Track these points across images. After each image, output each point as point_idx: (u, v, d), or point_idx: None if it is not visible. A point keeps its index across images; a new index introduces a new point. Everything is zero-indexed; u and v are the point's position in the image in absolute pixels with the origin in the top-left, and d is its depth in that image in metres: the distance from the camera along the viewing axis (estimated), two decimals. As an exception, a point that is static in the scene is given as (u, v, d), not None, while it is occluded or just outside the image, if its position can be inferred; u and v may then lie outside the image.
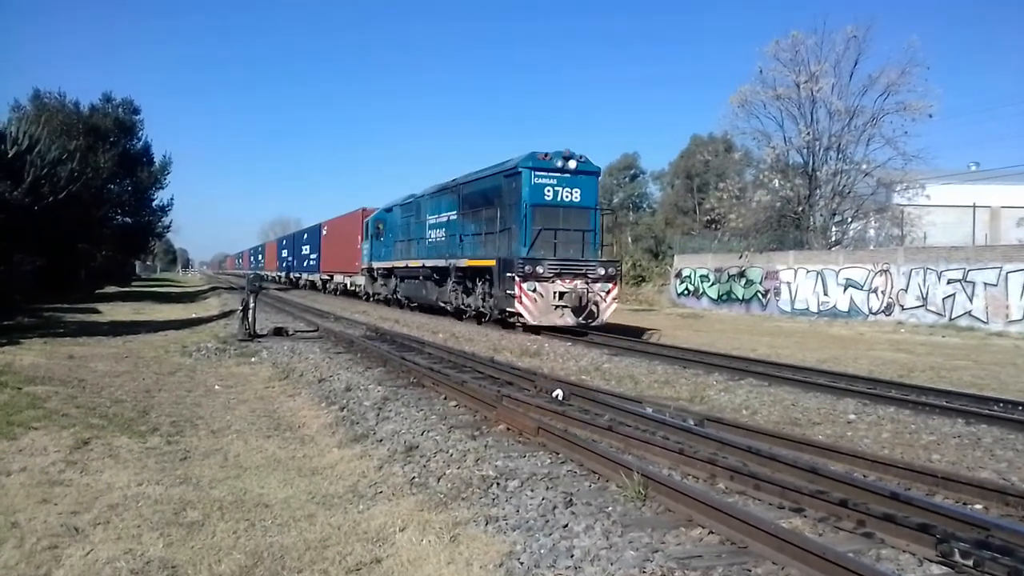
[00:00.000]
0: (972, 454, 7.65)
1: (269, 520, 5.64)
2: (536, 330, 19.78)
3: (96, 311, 27.74)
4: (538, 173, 19.82)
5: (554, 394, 10.22)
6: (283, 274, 69.31)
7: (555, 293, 19.18)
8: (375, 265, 34.19)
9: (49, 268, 35.56)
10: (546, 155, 19.87)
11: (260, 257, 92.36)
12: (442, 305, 25.52)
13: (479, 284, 22.19)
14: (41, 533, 5.16)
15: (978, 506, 5.75)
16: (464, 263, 22.69)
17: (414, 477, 6.65)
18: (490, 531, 5.23)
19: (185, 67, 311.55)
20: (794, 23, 71.68)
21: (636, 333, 21.61)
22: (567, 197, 20.02)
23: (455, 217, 24.68)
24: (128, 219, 47.81)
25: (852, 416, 9.45)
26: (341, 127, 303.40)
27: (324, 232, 48.78)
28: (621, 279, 21.26)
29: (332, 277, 46.53)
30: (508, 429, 8.22)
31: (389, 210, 33.12)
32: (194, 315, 27.22)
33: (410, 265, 28.37)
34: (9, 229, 25.31)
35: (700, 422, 8.35)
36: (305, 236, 57.58)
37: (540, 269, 19.01)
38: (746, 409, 10.00)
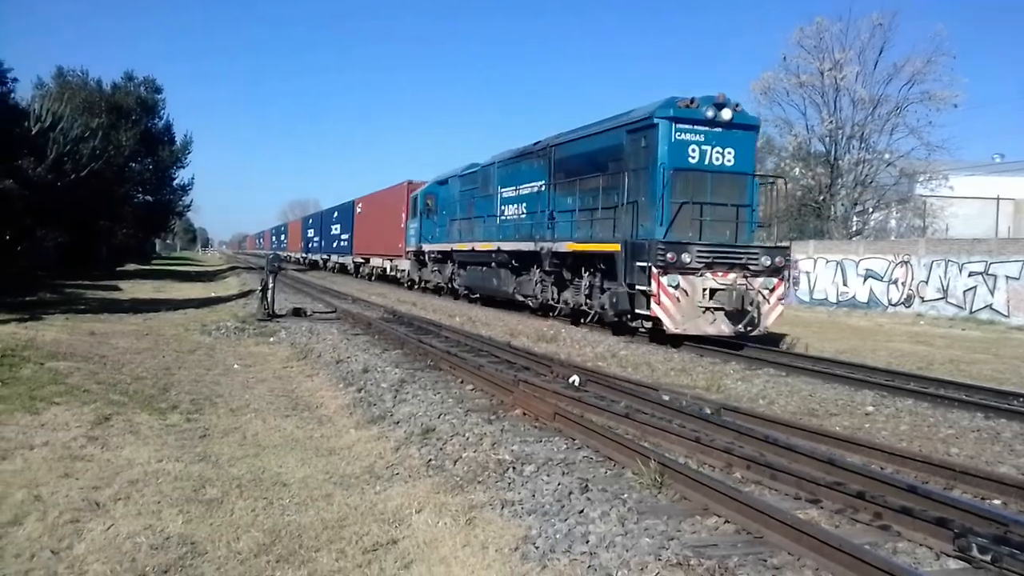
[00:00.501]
0: (991, 448, 7.60)
1: (287, 499, 5.69)
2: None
3: (117, 288, 27.99)
4: (680, 126, 14.74)
5: (570, 380, 10.22)
6: (308, 256, 64.56)
7: (705, 291, 14.34)
8: (426, 248, 29.12)
9: (71, 245, 35.93)
10: (691, 101, 14.82)
11: (283, 237, 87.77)
12: (521, 299, 21.04)
13: (585, 275, 17.29)
14: (63, 507, 5.23)
15: (997, 501, 5.71)
16: (565, 248, 17.65)
17: (431, 459, 6.68)
18: (506, 515, 5.26)
19: (205, 47, 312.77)
20: (819, 9, 70.96)
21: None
22: (718, 160, 14.97)
23: (543, 188, 19.48)
24: (149, 197, 48.13)
25: (870, 408, 9.40)
26: (363, 108, 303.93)
27: (359, 210, 43.65)
28: (790, 274, 16.12)
29: (368, 260, 41.42)
30: (524, 414, 8.24)
31: (443, 183, 27.98)
32: (213, 294, 27.43)
33: (477, 248, 23.34)
34: (32, 206, 25.57)
35: (717, 411, 8.33)
36: (335, 215, 51.90)
37: (687, 258, 14.09)
38: (763, 399, 9.97)
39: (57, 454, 6.50)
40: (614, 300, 15.66)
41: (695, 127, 14.91)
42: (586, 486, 5.75)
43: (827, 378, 11.39)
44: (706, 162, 14.90)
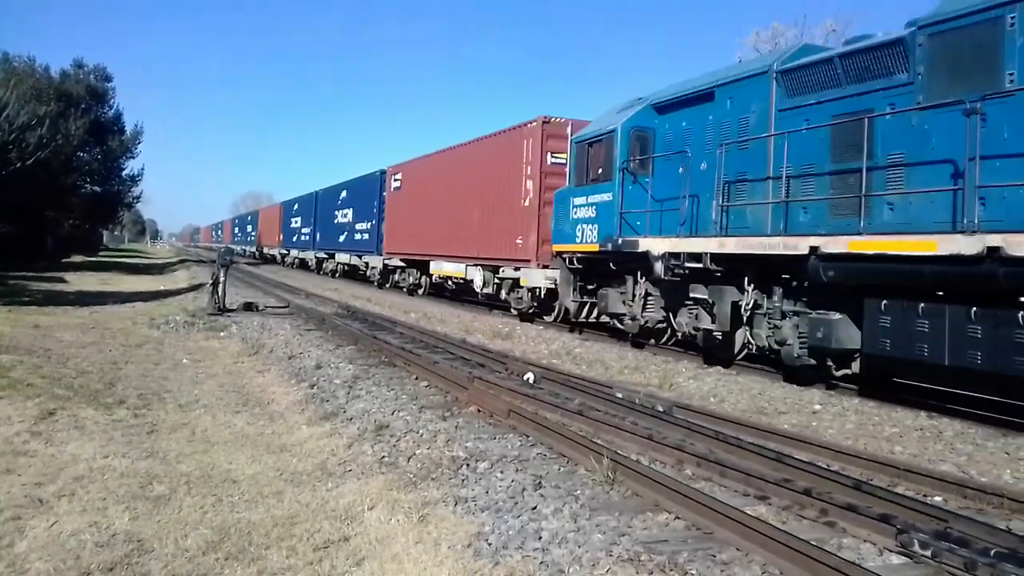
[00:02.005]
0: (933, 447, 7.79)
1: (236, 496, 5.62)
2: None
3: (63, 280, 27.36)
4: None
5: (525, 377, 10.25)
6: (293, 252, 50.62)
7: None
8: (654, 246, 12.93)
9: (15, 235, 34.99)
10: None
11: (249, 228, 72.09)
12: None
13: None
14: (4, 504, 5.11)
15: (938, 498, 5.85)
16: None
17: (384, 456, 6.65)
18: (459, 512, 5.25)
19: (158, 36, 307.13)
20: (775, 15, 72.22)
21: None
22: None
23: None
24: (97, 188, 47.25)
25: (818, 406, 9.57)
26: (316, 103, 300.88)
27: (395, 184, 28.90)
28: None
29: (426, 264, 25.61)
30: (479, 411, 8.24)
31: (681, 103, 13.52)
32: (163, 287, 26.93)
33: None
34: (-26, 194, 24.86)
35: (669, 408, 8.42)
36: (343, 195, 37.10)
37: None
38: (714, 397, 10.10)
39: (-2, 450, 6.34)
40: None
41: None
42: (539, 483, 5.77)
43: (776, 377, 11.56)
44: None
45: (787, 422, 8.72)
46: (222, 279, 18.07)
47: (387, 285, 29.97)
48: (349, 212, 35.78)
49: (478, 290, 21.33)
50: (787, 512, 5.37)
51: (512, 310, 19.88)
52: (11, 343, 11.49)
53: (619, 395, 9.05)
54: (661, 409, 8.34)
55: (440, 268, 24.28)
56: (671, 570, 4.23)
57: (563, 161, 16.94)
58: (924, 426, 8.66)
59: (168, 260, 63.30)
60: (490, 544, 4.67)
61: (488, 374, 10.47)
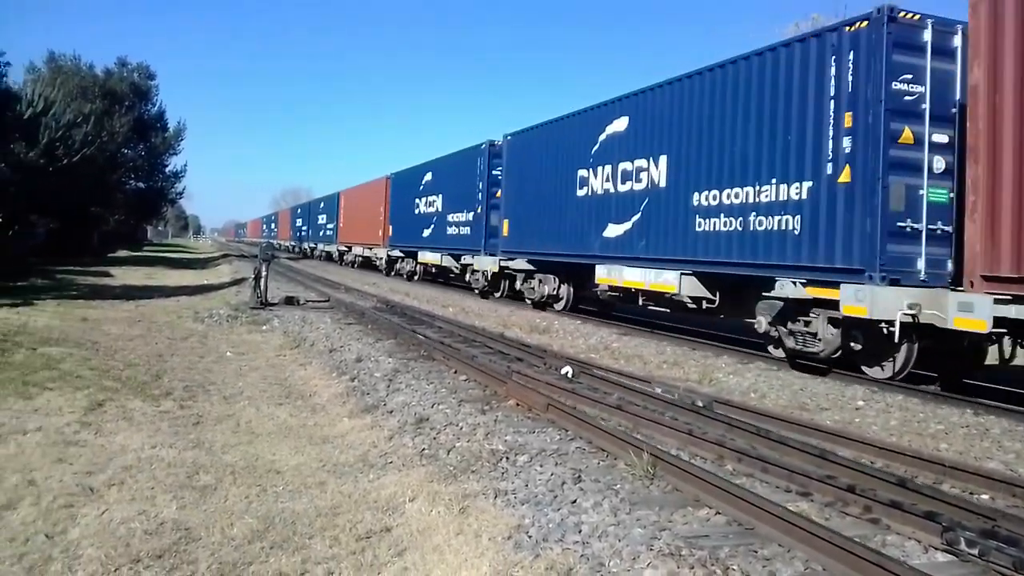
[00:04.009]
0: (980, 444, 7.66)
1: (280, 486, 5.71)
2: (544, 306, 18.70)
3: (108, 275, 27.89)
4: None
5: (563, 371, 10.25)
6: (416, 254, 29.85)
7: None
8: None
9: (62, 231, 35.78)
10: None
11: (320, 219, 52.76)
12: None
13: None
14: (57, 492, 5.24)
15: (985, 496, 5.76)
16: None
17: (424, 449, 6.70)
18: (499, 504, 5.28)
19: (200, 33, 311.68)
20: (814, 5, 71.19)
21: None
22: None
23: None
24: (141, 184, 48.23)
25: (860, 403, 9.45)
26: (354, 98, 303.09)
27: None
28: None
29: None
30: (518, 405, 8.26)
31: None
32: (206, 281, 27.36)
33: None
34: (23, 190, 25.45)
35: (708, 404, 8.37)
36: (625, 129, 15.42)
37: None
38: (754, 392, 10.01)
39: (51, 439, 6.50)
40: None
41: None
42: (579, 476, 5.77)
43: (816, 373, 11.42)
44: None
45: (829, 418, 8.62)
46: (264, 274, 18.31)
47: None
48: (658, 165, 14.39)
49: None
50: (830, 509, 5.32)
51: None
52: (60, 336, 11.77)
53: (658, 390, 9.01)
54: (701, 404, 8.28)
55: None
56: (712, 565, 4.22)
57: None
58: (970, 423, 8.51)
59: (211, 255, 64.24)
60: (530, 537, 4.70)
61: (526, 368, 10.47)
